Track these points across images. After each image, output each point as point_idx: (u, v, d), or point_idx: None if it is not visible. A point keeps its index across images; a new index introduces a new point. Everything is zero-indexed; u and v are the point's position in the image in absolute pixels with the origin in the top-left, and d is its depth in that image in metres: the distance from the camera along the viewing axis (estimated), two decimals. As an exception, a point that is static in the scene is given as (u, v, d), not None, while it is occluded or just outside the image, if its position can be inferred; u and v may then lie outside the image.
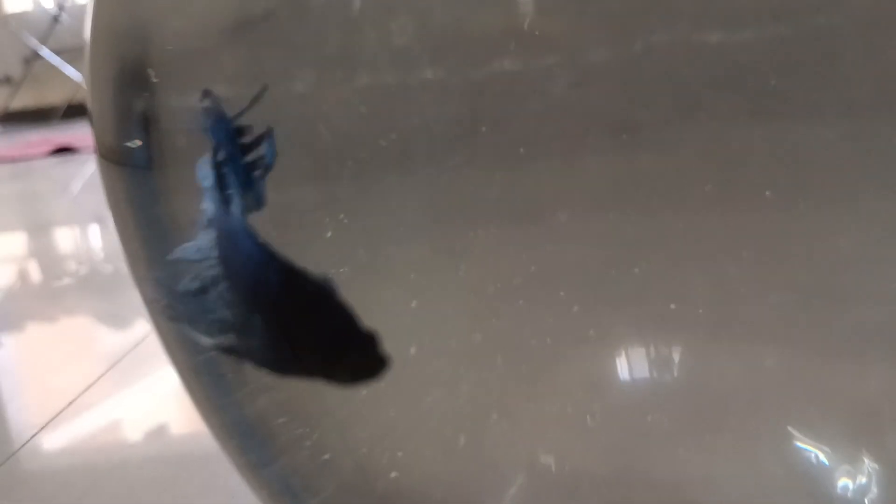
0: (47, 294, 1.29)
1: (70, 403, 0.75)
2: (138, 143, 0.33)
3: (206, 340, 0.30)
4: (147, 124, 0.33)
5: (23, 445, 0.69)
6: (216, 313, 0.29)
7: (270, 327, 0.28)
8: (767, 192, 0.29)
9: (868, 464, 0.31)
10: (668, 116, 0.29)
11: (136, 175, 0.34)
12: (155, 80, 0.33)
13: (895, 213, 0.29)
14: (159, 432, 0.70)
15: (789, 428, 0.31)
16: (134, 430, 0.72)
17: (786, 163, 0.29)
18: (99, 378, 0.82)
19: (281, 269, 0.27)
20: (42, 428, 0.72)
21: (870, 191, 0.29)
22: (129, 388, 0.82)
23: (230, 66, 0.31)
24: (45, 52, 4.23)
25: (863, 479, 0.31)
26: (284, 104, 0.29)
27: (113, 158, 0.35)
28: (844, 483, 0.31)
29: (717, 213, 0.30)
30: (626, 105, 0.28)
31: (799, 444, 0.31)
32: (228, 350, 0.30)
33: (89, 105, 0.36)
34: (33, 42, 4.24)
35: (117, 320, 1.04)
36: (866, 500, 0.31)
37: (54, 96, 4.21)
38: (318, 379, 0.29)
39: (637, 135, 0.29)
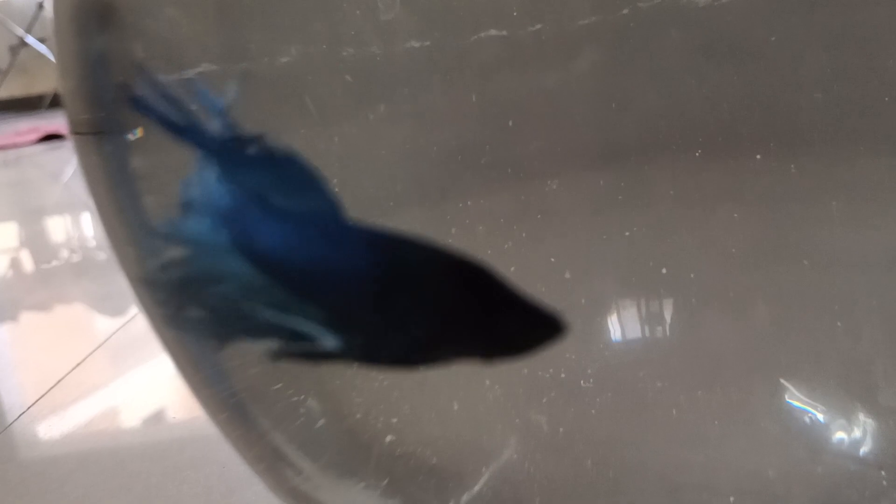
0: (40, 281, 1.29)
1: (58, 382, 0.75)
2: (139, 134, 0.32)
3: (253, 346, 0.29)
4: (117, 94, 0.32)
5: (12, 422, 0.69)
6: (257, 317, 0.27)
7: (392, 318, 0.27)
8: (758, 156, 0.29)
9: (862, 418, 0.32)
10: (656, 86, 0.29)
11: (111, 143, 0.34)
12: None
13: (882, 178, 0.29)
14: (153, 413, 0.70)
15: (783, 381, 0.31)
16: (126, 411, 0.72)
17: (776, 126, 0.29)
18: (88, 356, 0.82)
19: (420, 248, 0.26)
20: (32, 405, 0.72)
21: (858, 155, 0.29)
22: (119, 369, 0.82)
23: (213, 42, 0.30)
24: (31, 40, 4.20)
25: (857, 433, 0.32)
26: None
27: (86, 130, 0.35)
28: (839, 437, 0.32)
29: (707, 176, 0.30)
30: (614, 75, 0.28)
31: (792, 400, 0.31)
32: (299, 355, 0.28)
33: (60, 87, 0.36)
34: (19, 30, 4.21)
35: (111, 306, 1.04)
36: (860, 453, 0.32)
37: (42, 84, 4.19)
38: (468, 360, 0.27)
39: (626, 103, 0.29)
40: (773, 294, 0.30)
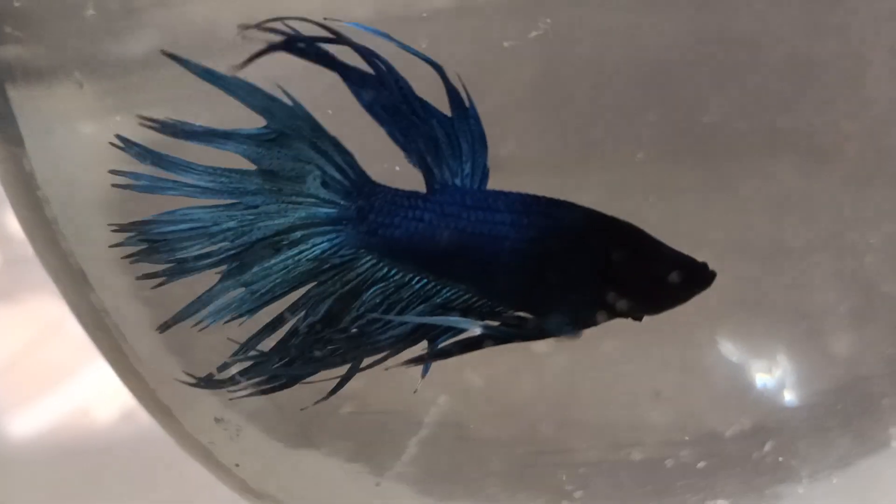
0: (8, 276, 1.27)
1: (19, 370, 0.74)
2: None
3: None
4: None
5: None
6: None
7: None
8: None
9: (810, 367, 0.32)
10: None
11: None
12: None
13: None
14: (126, 409, 0.69)
15: (735, 335, 0.32)
16: (100, 408, 0.71)
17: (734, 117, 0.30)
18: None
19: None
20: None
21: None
22: (94, 364, 0.81)
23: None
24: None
25: (812, 383, 0.32)
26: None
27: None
28: (793, 387, 0.32)
29: (670, 157, 0.30)
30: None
31: (745, 353, 0.32)
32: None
33: None
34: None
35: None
36: (812, 402, 0.32)
37: None
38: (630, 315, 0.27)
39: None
40: (726, 244, 0.31)
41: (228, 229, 0.27)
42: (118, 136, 0.27)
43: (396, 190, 0.26)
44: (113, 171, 0.27)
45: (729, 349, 0.32)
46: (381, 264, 0.27)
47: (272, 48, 0.24)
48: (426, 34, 0.26)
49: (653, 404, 0.32)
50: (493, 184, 0.26)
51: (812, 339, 0.32)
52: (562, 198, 0.27)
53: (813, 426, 0.33)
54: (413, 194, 0.26)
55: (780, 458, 0.33)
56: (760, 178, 0.30)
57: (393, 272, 0.27)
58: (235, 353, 0.28)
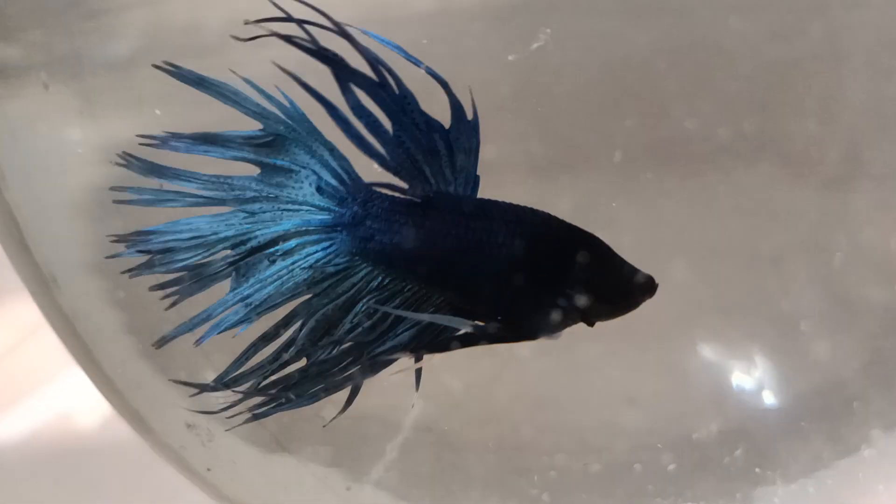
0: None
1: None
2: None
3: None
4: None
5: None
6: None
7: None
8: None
9: (789, 370, 0.33)
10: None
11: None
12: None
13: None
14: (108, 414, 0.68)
15: (711, 338, 0.32)
16: (83, 412, 0.70)
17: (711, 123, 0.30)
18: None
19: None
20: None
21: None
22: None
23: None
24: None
25: (787, 387, 0.33)
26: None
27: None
28: (770, 390, 0.33)
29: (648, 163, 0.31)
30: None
31: (723, 356, 0.32)
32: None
33: None
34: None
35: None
36: (789, 406, 0.33)
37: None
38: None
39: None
40: (706, 253, 0.31)
41: (226, 238, 0.27)
42: (121, 154, 0.26)
43: (393, 196, 0.26)
44: (114, 188, 0.27)
45: (705, 353, 0.32)
46: (375, 272, 0.27)
47: (287, 39, 0.24)
48: (409, 36, 0.26)
49: (627, 408, 0.33)
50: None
51: (788, 344, 0.32)
52: (542, 203, 0.27)
53: (788, 430, 0.33)
54: (410, 201, 0.26)
55: (753, 462, 0.33)
56: (738, 183, 0.31)
57: (387, 281, 0.27)
58: (236, 365, 0.28)
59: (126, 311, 0.34)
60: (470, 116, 0.25)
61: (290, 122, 0.26)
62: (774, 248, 0.31)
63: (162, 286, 0.27)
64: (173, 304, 0.27)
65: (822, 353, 0.31)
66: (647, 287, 0.27)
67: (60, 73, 0.32)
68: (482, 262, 0.26)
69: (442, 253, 0.26)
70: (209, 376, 0.35)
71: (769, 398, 0.33)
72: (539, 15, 0.28)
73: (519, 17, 0.29)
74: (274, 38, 0.24)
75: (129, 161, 0.27)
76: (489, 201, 0.26)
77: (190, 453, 0.38)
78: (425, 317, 0.26)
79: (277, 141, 0.26)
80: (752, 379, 0.32)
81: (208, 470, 0.38)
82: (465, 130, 0.25)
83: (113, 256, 0.28)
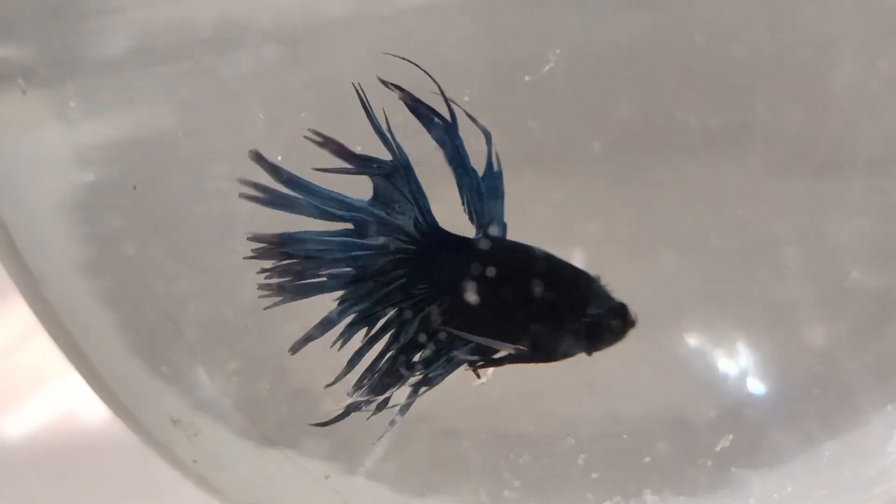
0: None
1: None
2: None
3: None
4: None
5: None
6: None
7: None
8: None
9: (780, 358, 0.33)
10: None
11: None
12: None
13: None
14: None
15: (704, 328, 0.32)
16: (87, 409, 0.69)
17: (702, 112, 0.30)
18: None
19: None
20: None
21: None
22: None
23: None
24: None
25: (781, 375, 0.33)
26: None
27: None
28: (763, 380, 0.33)
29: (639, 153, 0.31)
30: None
31: (718, 345, 0.32)
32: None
33: None
34: None
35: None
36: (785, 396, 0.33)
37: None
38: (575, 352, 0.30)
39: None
40: (699, 245, 0.31)
41: (343, 258, 0.29)
42: (253, 152, 0.27)
43: (456, 235, 0.30)
44: (241, 181, 0.27)
45: (696, 342, 0.32)
46: (444, 297, 0.30)
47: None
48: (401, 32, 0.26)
49: (621, 397, 0.33)
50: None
51: (781, 332, 0.32)
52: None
53: (781, 416, 0.33)
54: (467, 239, 0.30)
55: (745, 449, 0.33)
56: (730, 172, 0.31)
57: (448, 306, 0.30)
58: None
59: (112, 309, 0.34)
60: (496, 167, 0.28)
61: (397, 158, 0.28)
62: (766, 235, 0.31)
63: (267, 287, 0.29)
64: (273, 305, 0.29)
65: (815, 340, 0.32)
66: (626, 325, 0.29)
67: (39, 77, 0.31)
68: (519, 297, 0.29)
69: (491, 286, 0.29)
70: (199, 373, 0.35)
71: (761, 385, 0.33)
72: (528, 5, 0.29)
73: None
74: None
75: (261, 161, 0.27)
76: (519, 244, 0.29)
77: (177, 446, 0.38)
78: (478, 339, 0.30)
79: (397, 171, 0.28)
80: (744, 366, 0.33)
81: (194, 462, 0.38)
82: (495, 178, 0.28)
83: (251, 258, 0.29)
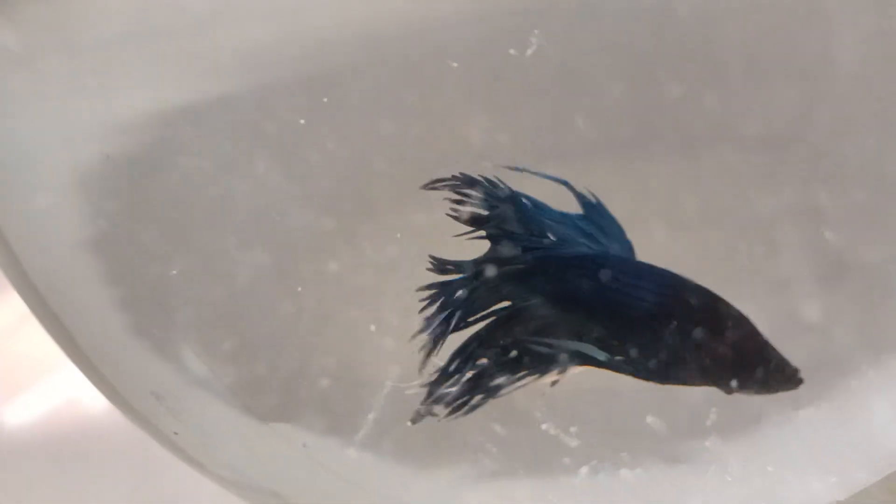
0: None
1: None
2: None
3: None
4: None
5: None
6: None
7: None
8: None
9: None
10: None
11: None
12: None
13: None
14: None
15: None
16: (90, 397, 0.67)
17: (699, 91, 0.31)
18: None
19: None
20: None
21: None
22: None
23: None
24: None
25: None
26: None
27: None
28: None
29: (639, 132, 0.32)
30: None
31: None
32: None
33: None
34: None
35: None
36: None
37: None
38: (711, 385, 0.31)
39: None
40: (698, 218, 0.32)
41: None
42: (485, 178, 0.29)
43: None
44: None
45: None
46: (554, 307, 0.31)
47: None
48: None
49: (615, 374, 0.33)
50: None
51: (778, 306, 0.33)
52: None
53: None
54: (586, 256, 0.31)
55: (736, 425, 0.34)
56: (725, 150, 0.31)
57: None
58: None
59: (98, 285, 0.34)
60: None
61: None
62: (762, 212, 0.32)
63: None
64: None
65: (812, 315, 0.32)
66: (792, 382, 0.30)
67: (24, 57, 0.30)
68: (632, 310, 0.31)
69: (603, 299, 0.31)
70: (184, 351, 0.35)
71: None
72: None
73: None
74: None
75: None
76: (644, 264, 0.30)
77: (158, 419, 0.37)
78: (579, 345, 0.31)
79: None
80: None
81: (175, 434, 0.38)
82: (596, 212, 0.30)
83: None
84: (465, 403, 0.31)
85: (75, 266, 0.33)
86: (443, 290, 0.30)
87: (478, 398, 0.31)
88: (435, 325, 0.30)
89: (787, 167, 0.31)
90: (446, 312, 0.30)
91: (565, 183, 0.29)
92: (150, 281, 0.32)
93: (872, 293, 0.33)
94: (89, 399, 0.39)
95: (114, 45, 0.28)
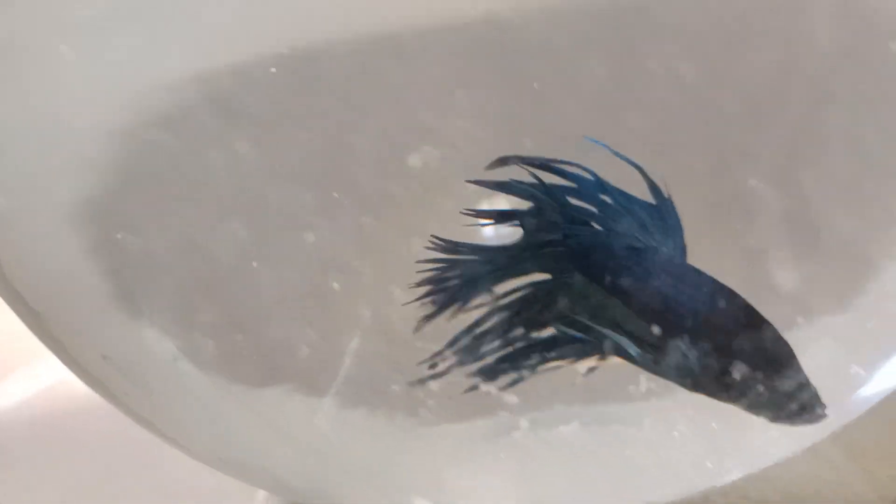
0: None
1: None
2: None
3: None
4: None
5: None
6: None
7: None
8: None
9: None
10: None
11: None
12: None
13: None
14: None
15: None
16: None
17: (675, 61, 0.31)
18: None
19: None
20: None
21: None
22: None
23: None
24: None
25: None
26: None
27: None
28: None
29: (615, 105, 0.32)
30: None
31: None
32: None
33: None
34: None
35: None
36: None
37: None
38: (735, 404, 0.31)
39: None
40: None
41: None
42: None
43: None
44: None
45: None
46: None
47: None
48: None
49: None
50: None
51: (754, 275, 0.33)
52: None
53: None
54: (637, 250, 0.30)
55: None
56: (700, 121, 0.31)
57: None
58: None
59: (77, 258, 0.33)
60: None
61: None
62: (738, 182, 0.32)
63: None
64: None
65: (788, 284, 0.33)
66: (816, 419, 0.30)
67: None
68: (676, 309, 0.30)
69: (649, 293, 0.30)
70: (162, 324, 0.35)
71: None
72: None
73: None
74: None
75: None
76: (690, 266, 0.30)
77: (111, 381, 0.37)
78: (617, 336, 0.30)
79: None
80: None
81: (126, 395, 0.37)
82: (666, 205, 0.30)
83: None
84: (491, 372, 0.31)
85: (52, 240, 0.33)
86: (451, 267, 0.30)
87: (509, 375, 0.31)
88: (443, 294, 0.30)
89: (765, 138, 0.32)
90: (455, 283, 0.30)
91: (639, 168, 0.29)
92: (128, 254, 0.32)
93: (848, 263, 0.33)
94: (75, 382, 0.39)
95: (92, 21, 0.28)
